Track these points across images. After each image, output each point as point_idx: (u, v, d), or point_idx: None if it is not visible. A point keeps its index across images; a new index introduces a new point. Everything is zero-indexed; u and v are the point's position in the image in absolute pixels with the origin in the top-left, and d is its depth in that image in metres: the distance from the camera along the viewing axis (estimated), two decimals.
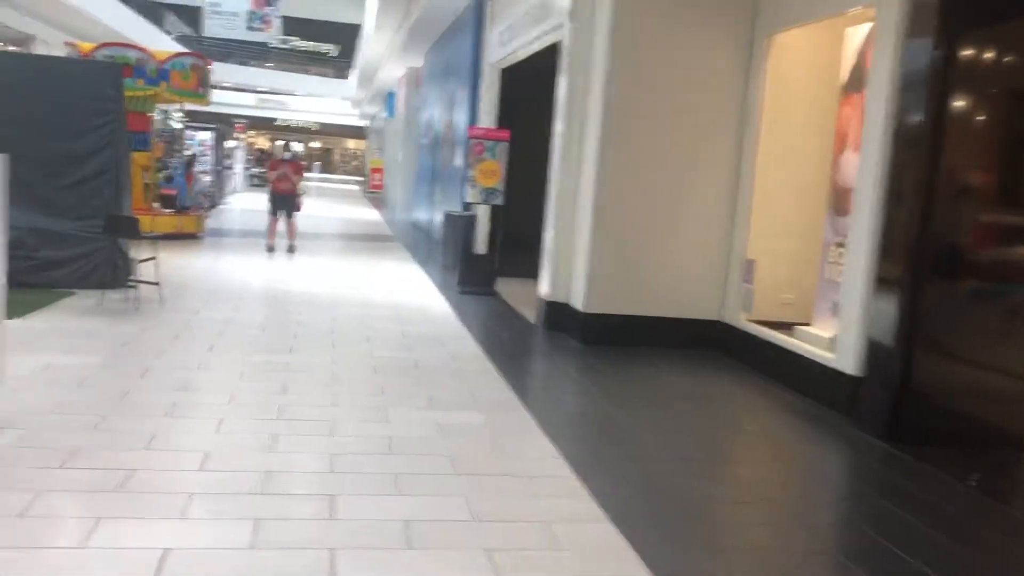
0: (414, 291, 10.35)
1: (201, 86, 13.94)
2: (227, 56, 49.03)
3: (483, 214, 12.14)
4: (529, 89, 11.94)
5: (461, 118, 13.97)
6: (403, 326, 8.05)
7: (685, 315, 7.91)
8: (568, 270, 8.23)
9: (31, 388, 5.18)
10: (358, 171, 61.88)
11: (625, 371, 6.97)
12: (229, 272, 10.63)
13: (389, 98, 32.29)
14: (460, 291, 10.39)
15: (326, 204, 27.48)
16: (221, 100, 52.04)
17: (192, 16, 46.81)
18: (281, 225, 13.15)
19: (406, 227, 20.44)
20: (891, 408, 5.51)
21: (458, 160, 13.96)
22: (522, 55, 10.71)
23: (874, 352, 5.70)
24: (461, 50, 14.26)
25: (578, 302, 7.95)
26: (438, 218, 15.98)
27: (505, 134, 10.41)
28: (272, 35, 51.28)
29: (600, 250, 7.75)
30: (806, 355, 6.56)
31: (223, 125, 23.96)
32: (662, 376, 6.93)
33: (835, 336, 6.29)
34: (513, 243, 11.20)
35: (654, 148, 7.73)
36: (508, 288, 10.70)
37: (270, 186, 13.14)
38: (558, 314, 8.27)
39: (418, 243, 16.72)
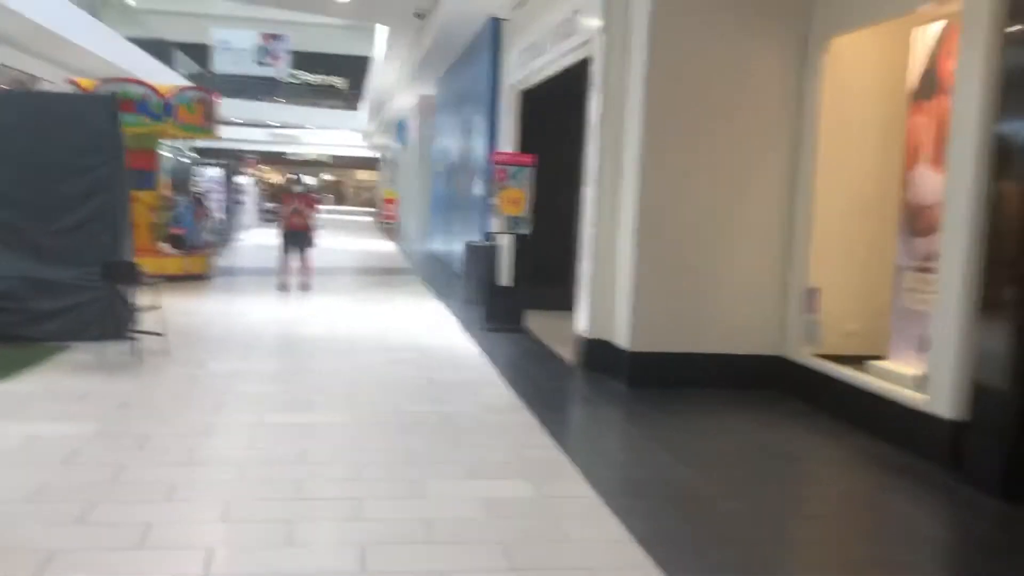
0: (437, 330, 9.64)
1: (208, 120, 13.37)
2: (237, 92, 48.96)
3: (506, 244, 11.45)
4: (552, 110, 11.30)
5: (479, 144, 13.33)
6: (430, 372, 7.33)
7: (741, 351, 7.15)
8: (608, 304, 7.51)
9: (10, 467, 4.49)
10: (370, 202, 61.50)
11: (683, 420, 6.22)
12: (239, 316, 9.95)
13: (400, 127, 31.82)
14: (486, 328, 9.67)
15: (339, 237, 26.91)
16: (232, 136, 52.04)
17: (200, 54, 46.78)
18: (295, 261, 12.50)
19: (423, 258, 19.78)
20: (1006, 458, 4.73)
21: (477, 188, 13.30)
22: (545, 75, 10.06)
23: (980, 392, 4.93)
24: (477, 73, 13.65)
25: (622, 340, 7.21)
26: (456, 248, 15.32)
27: (529, 159, 9.73)
28: (281, 70, 51.30)
29: (645, 281, 7.03)
30: (889, 396, 5.79)
31: (232, 160, 23.44)
32: (725, 424, 6.16)
33: (924, 374, 5.52)
34: (538, 274, 10.50)
35: (700, 167, 7.02)
36: (538, 323, 9.98)
37: (282, 222, 12.50)
38: (599, 353, 7.53)
39: (436, 275, 16.03)
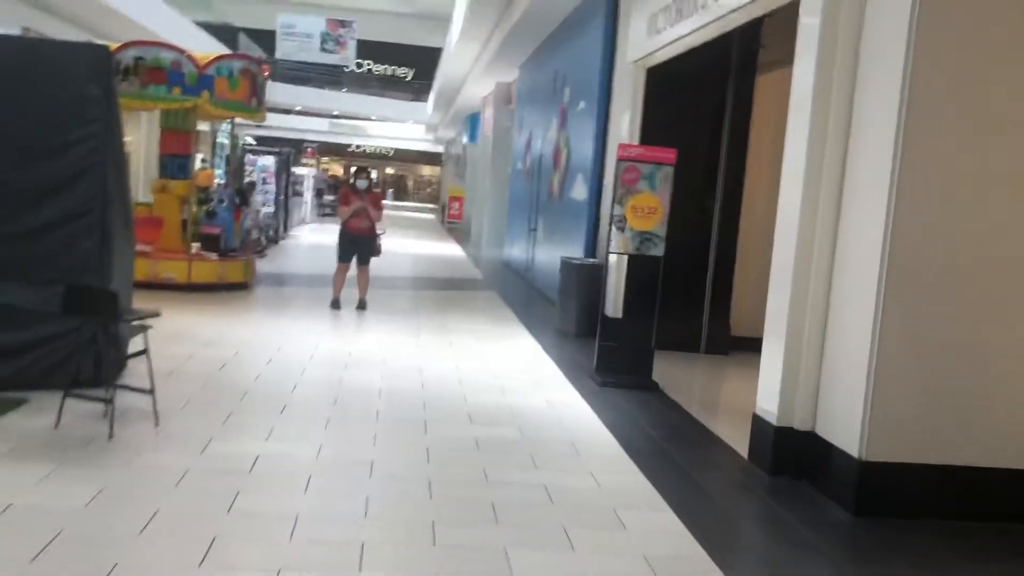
0: (534, 381, 7.17)
1: (254, 97, 11.09)
2: (302, 81, 47.22)
3: (615, 264, 8.94)
4: (685, 94, 8.76)
5: (582, 137, 10.81)
6: (539, 469, 4.87)
7: None
8: (813, 378, 4.95)
9: None
10: (432, 198, 59.46)
11: None
12: (276, 351, 7.58)
13: (471, 121, 29.47)
14: (601, 383, 7.16)
15: (401, 237, 24.65)
16: (291, 125, 50.45)
17: (266, 40, 45.14)
18: (352, 269, 10.11)
19: (497, 268, 17.33)
20: None
21: (577, 191, 10.79)
22: (684, 46, 7.53)
23: None
24: (582, 49, 11.13)
25: (844, 438, 4.64)
26: (541, 259, 12.83)
27: (671, 155, 7.19)
28: (346, 57, 49.42)
29: (891, 352, 4.44)
30: None
31: (288, 149, 21.31)
32: None
33: None
34: (660, 303, 8.01)
35: (1002, 173, 4.43)
36: (668, 373, 7.46)
37: (342, 226, 10.10)
38: (796, 450, 4.98)
39: (516, 291, 13.57)
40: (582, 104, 10.81)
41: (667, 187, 7.20)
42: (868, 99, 4.67)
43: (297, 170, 25.31)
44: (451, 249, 21.66)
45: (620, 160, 7.19)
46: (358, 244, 9.99)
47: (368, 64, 55.01)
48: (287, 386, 6.34)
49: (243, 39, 45.86)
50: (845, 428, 4.63)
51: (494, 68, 19.04)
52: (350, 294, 10.18)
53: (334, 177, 57.21)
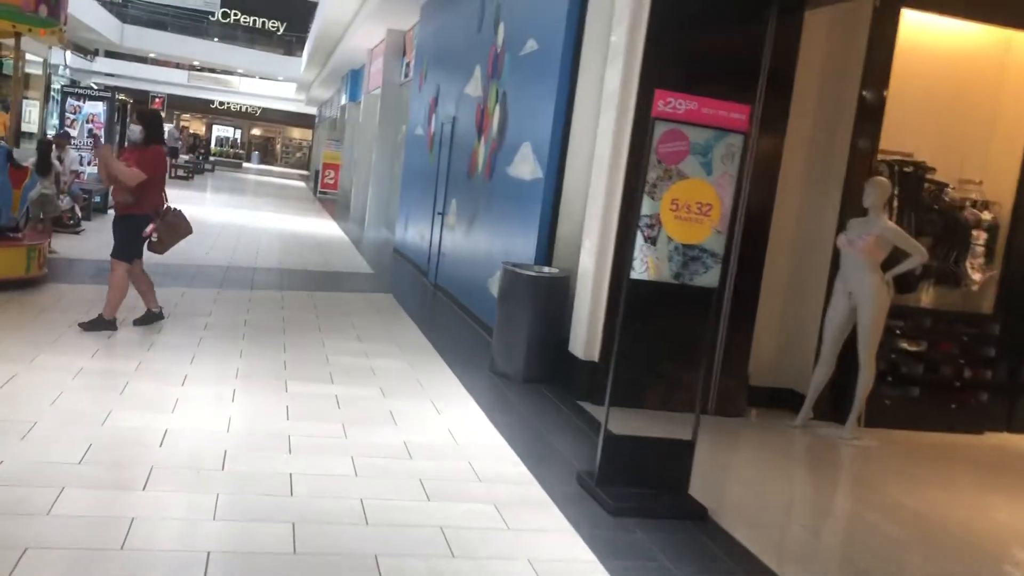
0: (495, 503, 4.06)
1: (43, 4, 7.40)
2: (157, 25, 41.77)
3: (591, 274, 5.98)
4: (710, 30, 5.86)
5: (528, 90, 7.68)
6: None
7: None
8: None
9: None
10: (303, 164, 54.85)
11: None
12: (17, 440, 4.18)
13: (352, 77, 25.78)
14: (612, 508, 4.11)
15: (265, 208, 20.81)
16: (143, 75, 44.84)
17: None
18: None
19: (386, 255, 14.01)
20: None
21: (518, 166, 7.66)
22: None
23: None
24: None
25: None
26: (456, 255, 9.70)
27: (741, 114, 4.17)
28: (209, 1, 44.16)
29: None
30: None
31: (123, 97, 17.15)
32: None
33: None
34: (654, 337, 5.16)
35: None
36: (709, 480, 4.53)
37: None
38: None
39: (418, 293, 10.37)
40: (530, 45, 7.66)
41: (732, 170, 4.20)
42: None
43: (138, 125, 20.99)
44: (326, 226, 18.09)
45: (658, 119, 4.12)
46: (122, 226, 6.56)
47: (235, 14, 49.89)
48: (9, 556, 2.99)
49: None
50: None
51: (386, 11, 15.62)
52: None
53: (194, 136, 51.81)
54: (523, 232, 7.23)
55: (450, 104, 10.88)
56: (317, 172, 30.88)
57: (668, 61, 5.78)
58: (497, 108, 8.50)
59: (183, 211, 6.77)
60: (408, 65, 16.29)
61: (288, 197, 27.01)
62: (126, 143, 6.59)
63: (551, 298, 6.38)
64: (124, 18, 39.00)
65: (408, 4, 14.52)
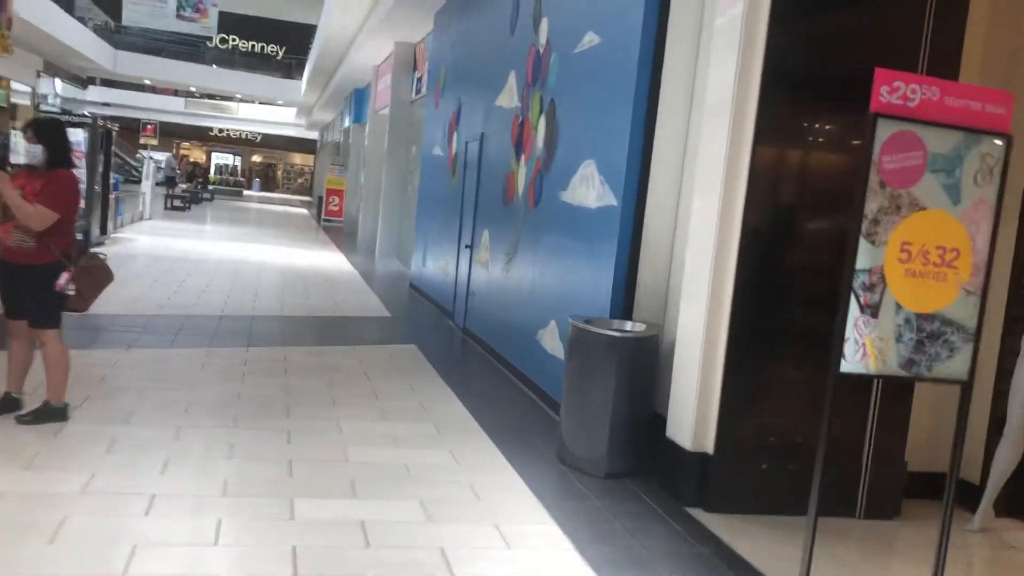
0: None
1: None
2: (153, 52, 40.51)
3: (693, 332, 4.44)
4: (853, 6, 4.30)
5: (588, 97, 6.14)
6: None
7: None
8: None
9: None
10: (305, 190, 53.47)
11: None
12: None
13: (356, 97, 24.38)
14: None
15: (266, 239, 19.25)
16: (139, 103, 43.52)
17: (111, 3, 38.37)
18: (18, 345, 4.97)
19: (402, 292, 12.47)
20: None
21: (577, 192, 6.10)
22: None
23: None
24: None
25: None
26: (497, 298, 8.16)
27: (1001, 105, 2.64)
28: (207, 27, 42.90)
29: None
30: None
31: (105, 122, 15.69)
32: None
33: None
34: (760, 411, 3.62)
35: None
36: None
37: None
38: None
39: (446, 342, 8.82)
40: (588, 39, 6.13)
41: (989, 196, 2.67)
42: None
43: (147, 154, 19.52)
44: (332, 259, 16.54)
45: (879, 116, 2.57)
46: (14, 281, 4.77)
47: (233, 39, 48.74)
48: None
49: (82, 2, 39.03)
50: None
51: (394, 21, 14.19)
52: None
53: (194, 164, 50.45)
54: (590, 275, 5.67)
55: (476, 119, 9.36)
56: (320, 199, 29.41)
57: (800, 44, 4.26)
58: (542, 120, 6.96)
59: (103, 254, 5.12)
60: (420, 80, 14.83)
61: (290, 226, 25.53)
62: (18, 166, 5.02)
63: (639, 364, 4.83)
64: (118, 44, 37.81)
65: (419, 13, 13.11)
